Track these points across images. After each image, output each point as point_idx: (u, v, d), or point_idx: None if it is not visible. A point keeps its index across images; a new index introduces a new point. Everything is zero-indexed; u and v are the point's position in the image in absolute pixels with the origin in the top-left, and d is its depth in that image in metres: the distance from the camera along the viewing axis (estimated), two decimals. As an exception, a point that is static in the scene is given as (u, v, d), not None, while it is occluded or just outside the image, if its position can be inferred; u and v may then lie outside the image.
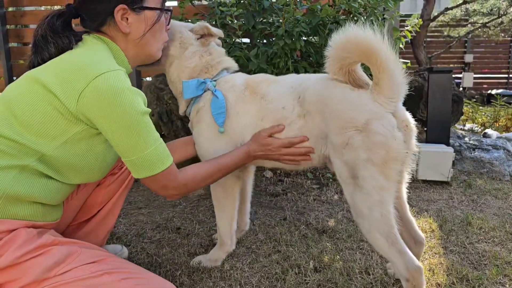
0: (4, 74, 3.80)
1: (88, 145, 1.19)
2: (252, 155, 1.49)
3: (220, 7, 2.38)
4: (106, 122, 1.13)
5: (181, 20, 2.63)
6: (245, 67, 2.46)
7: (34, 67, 1.24)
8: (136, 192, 2.54)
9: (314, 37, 2.51)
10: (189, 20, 2.62)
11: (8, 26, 3.84)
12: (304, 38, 2.30)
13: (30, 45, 1.29)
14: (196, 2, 2.84)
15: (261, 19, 2.50)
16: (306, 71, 2.42)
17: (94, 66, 1.13)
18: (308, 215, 2.15)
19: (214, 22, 2.66)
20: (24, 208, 1.13)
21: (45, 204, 1.18)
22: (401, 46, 2.65)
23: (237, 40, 2.57)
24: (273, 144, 1.46)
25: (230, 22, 2.66)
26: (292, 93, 1.47)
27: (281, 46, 2.18)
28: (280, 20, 2.21)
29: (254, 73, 2.40)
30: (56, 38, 1.23)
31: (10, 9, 3.97)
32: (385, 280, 1.54)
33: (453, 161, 2.66)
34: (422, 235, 1.53)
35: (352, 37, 1.28)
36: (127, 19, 1.29)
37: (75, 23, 1.33)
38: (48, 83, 1.12)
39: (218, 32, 1.67)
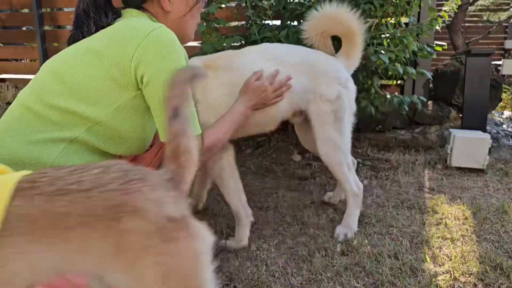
0: (39, 56, 3.89)
1: (136, 113, 1.19)
2: (248, 107, 1.55)
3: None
4: (156, 72, 1.12)
5: (210, 2, 2.62)
6: (274, 49, 2.42)
7: (74, 42, 1.24)
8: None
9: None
10: (220, 3, 2.60)
11: (43, 9, 3.93)
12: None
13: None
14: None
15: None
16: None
17: (146, 26, 1.16)
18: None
19: (244, 4, 2.63)
20: None
21: None
22: (437, 28, 2.55)
23: (267, 21, 2.54)
24: (265, 85, 1.58)
25: (260, 2, 2.63)
26: (264, 58, 1.67)
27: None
28: (312, 0, 2.15)
29: (284, 54, 2.37)
30: (97, 13, 1.24)
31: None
32: (414, 266, 1.50)
33: (490, 149, 2.56)
34: (353, 158, 1.97)
35: (341, 13, 1.68)
36: None
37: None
38: (101, 50, 1.14)
39: None
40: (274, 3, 2.38)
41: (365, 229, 1.80)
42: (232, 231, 1.80)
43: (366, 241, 1.69)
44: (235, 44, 2.65)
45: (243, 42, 2.66)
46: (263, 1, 2.34)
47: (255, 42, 2.55)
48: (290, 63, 1.68)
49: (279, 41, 2.32)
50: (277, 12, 2.47)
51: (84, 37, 1.24)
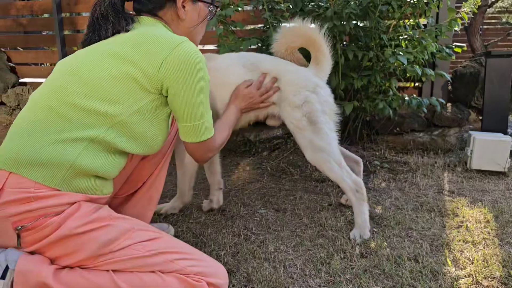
0: (59, 60, 3.97)
1: (154, 115, 1.24)
2: (239, 109, 1.70)
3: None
4: (182, 86, 1.21)
5: (227, 5, 2.63)
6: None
7: (90, 44, 1.27)
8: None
9: (364, 21, 2.43)
10: (237, 6, 2.61)
11: (63, 14, 4.00)
12: (354, 20, 2.22)
13: (88, 22, 1.32)
14: (244, -13, 2.82)
15: (309, 1, 2.45)
16: (355, 56, 2.35)
17: (173, 37, 1.22)
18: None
19: (261, 6, 2.64)
20: (85, 181, 1.15)
21: (103, 178, 1.20)
22: (456, 29, 2.52)
23: (285, 24, 2.54)
24: (253, 92, 1.72)
25: (277, 4, 2.63)
26: (239, 63, 1.80)
27: (329, 28, 2.12)
28: (330, 2, 2.15)
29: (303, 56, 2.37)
30: (116, 18, 1.27)
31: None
32: (435, 269, 1.48)
33: (511, 151, 2.51)
34: (358, 157, 2.07)
35: (303, 28, 1.80)
36: (184, 6, 1.38)
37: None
38: (127, 55, 1.18)
39: None
40: (291, 6, 2.38)
41: (383, 232, 1.78)
42: (249, 231, 1.80)
43: (385, 243, 1.67)
44: (253, 46, 2.67)
45: (259, 44, 2.67)
46: (280, 4, 2.34)
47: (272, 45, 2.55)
48: (262, 70, 1.79)
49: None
50: (294, 14, 2.46)
51: (100, 40, 1.27)
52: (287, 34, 1.85)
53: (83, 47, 1.30)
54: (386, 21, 2.37)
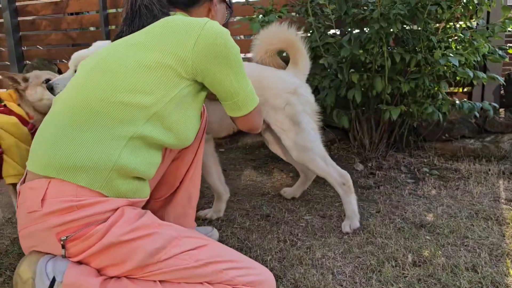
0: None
1: (189, 104, 1.21)
2: None
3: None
4: (219, 65, 1.18)
5: (270, 11, 2.64)
6: (336, 55, 2.39)
7: (123, 35, 1.25)
8: (225, 181, 2.58)
9: (411, 25, 2.36)
10: (280, 12, 2.61)
11: (110, 27, 4.13)
12: (401, 22, 2.16)
13: (124, 14, 1.29)
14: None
15: (354, 4, 2.41)
16: (402, 58, 2.28)
17: (197, 20, 1.20)
18: (403, 209, 2.02)
19: (304, 12, 2.62)
20: (127, 183, 1.11)
21: (141, 179, 1.17)
22: (510, 29, 2.40)
23: (329, 29, 2.52)
24: None
25: (320, 10, 2.61)
26: None
27: (376, 30, 2.07)
28: (375, 3, 2.10)
29: (347, 60, 2.33)
30: (160, 12, 1.27)
31: None
32: (496, 280, 1.38)
33: None
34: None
35: (280, 30, 1.85)
36: (216, 5, 1.41)
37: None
38: (154, 43, 1.15)
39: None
40: (334, 10, 2.34)
41: (437, 240, 1.69)
42: (295, 237, 1.76)
43: (439, 252, 1.59)
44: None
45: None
46: (325, 9, 2.31)
47: (315, 49, 2.53)
48: None
49: (342, 47, 2.27)
50: (339, 18, 2.43)
51: (131, 33, 1.24)
52: (266, 37, 1.89)
53: (113, 41, 1.28)
54: (434, 22, 2.29)
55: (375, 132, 2.70)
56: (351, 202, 1.83)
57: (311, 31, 2.64)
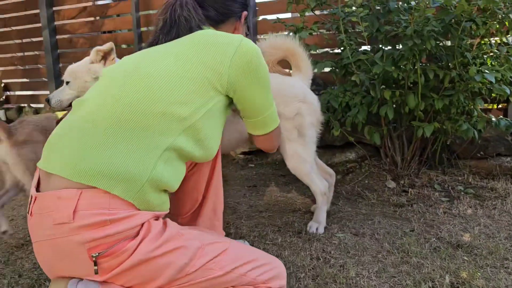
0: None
1: (218, 118, 1.22)
2: None
3: (346, 8, 2.34)
4: (251, 82, 1.22)
5: (301, 28, 2.66)
6: (367, 72, 2.38)
7: (158, 43, 1.27)
8: (256, 197, 2.59)
9: (445, 42, 2.35)
10: (311, 29, 2.63)
11: (143, 44, 4.26)
12: (434, 39, 2.14)
13: (160, 23, 1.30)
14: (317, 12, 2.84)
15: (386, 21, 2.41)
16: (435, 75, 2.26)
17: (234, 36, 1.23)
18: (438, 228, 1.97)
19: (335, 29, 2.64)
20: (156, 196, 1.10)
21: (167, 192, 1.17)
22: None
23: (361, 45, 2.52)
24: None
25: (351, 27, 2.62)
26: None
27: (409, 46, 2.06)
28: (410, 20, 2.10)
29: (379, 76, 2.32)
30: (196, 24, 1.28)
31: None
32: (540, 304, 1.33)
33: None
34: (331, 170, 2.26)
35: (280, 40, 1.94)
36: (241, 25, 1.46)
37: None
38: (194, 54, 1.16)
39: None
40: (367, 27, 2.35)
41: (475, 261, 1.65)
42: (328, 255, 1.75)
43: (478, 274, 1.54)
44: (326, 69, 2.66)
45: (333, 67, 2.66)
46: (357, 26, 2.32)
47: (346, 66, 2.54)
48: None
49: (374, 63, 2.27)
50: (370, 35, 2.43)
51: (166, 41, 1.26)
52: (267, 49, 1.95)
53: (147, 47, 1.29)
54: (469, 38, 2.26)
55: (407, 149, 2.67)
56: (324, 211, 2.03)
57: (342, 48, 2.66)
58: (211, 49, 1.18)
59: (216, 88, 1.18)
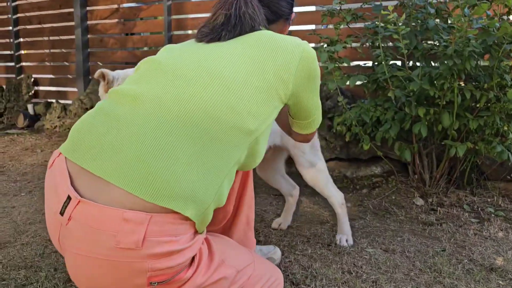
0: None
1: (270, 128, 1.16)
2: None
3: (387, 24, 2.35)
4: (309, 87, 1.19)
5: (336, 41, 2.68)
6: (402, 88, 2.39)
7: (220, 40, 1.15)
8: (282, 205, 2.58)
9: (482, 61, 2.34)
10: (345, 42, 2.65)
11: (172, 32, 4.28)
12: (474, 59, 2.14)
13: (221, 18, 1.18)
14: (351, 25, 2.86)
15: (423, 39, 2.42)
16: (472, 95, 2.25)
17: (296, 40, 1.18)
18: (470, 250, 1.96)
19: (370, 43, 2.65)
20: (211, 213, 1.03)
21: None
22: None
23: (395, 61, 2.53)
24: None
25: (387, 43, 2.63)
26: None
27: (449, 66, 2.07)
28: (450, 39, 2.10)
29: (414, 94, 2.32)
30: (258, 21, 1.21)
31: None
32: None
33: None
34: (295, 184, 2.26)
35: None
36: (288, 26, 1.44)
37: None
38: (265, 60, 1.09)
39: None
40: (407, 44, 2.35)
41: (510, 285, 1.63)
42: (359, 269, 1.75)
43: (514, 299, 1.53)
44: (359, 82, 2.67)
45: (365, 81, 2.66)
46: (397, 43, 2.32)
47: (378, 81, 2.54)
48: None
49: (410, 80, 2.28)
50: (407, 52, 2.43)
51: (219, 40, 1.16)
52: None
53: (198, 39, 1.19)
54: (509, 60, 2.25)
55: (436, 167, 2.66)
56: (347, 222, 2.04)
57: (376, 63, 2.67)
58: (278, 54, 1.10)
59: (280, 98, 1.11)
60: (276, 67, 1.10)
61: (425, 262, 1.83)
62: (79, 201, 0.93)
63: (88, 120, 1.05)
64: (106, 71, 1.87)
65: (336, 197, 2.01)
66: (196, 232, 1.01)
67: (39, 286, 1.64)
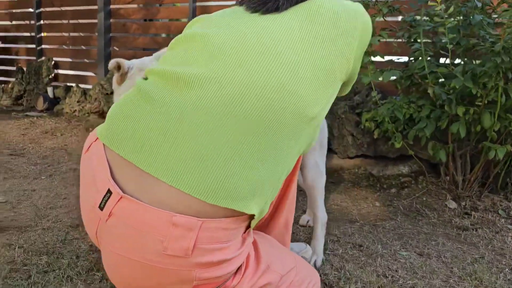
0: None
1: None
2: None
3: (432, 17, 2.24)
4: (362, 56, 1.06)
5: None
6: (441, 86, 2.28)
7: (276, 10, 0.98)
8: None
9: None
10: (380, 35, 2.54)
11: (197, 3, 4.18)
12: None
13: None
14: (389, 18, 2.75)
15: (465, 34, 2.30)
16: (516, 95, 2.14)
17: (357, 6, 1.03)
18: (510, 258, 1.86)
19: (407, 38, 2.54)
20: (267, 210, 0.96)
21: None
22: None
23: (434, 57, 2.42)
24: None
25: (427, 37, 2.51)
26: None
27: (496, 63, 1.95)
28: (499, 35, 1.99)
29: (455, 92, 2.21)
30: None
31: None
32: None
33: None
34: None
35: None
36: None
37: None
38: (330, 37, 0.95)
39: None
40: (452, 39, 2.22)
41: (558, 299, 1.53)
42: (394, 273, 1.66)
43: None
44: (393, 78, 2.56)
45: (397, 77, 2.56)
46: (437, 37, 2.21)
47: (412, 76, 2.44)
48: None
49: (451, 77, 2.17)
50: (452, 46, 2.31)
51: (273, 10, 0.98)
52: None
53: (254, 10, 0.99)
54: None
55: (470, 169, 2.54)
56: (323, 243, 1.80)
57: (412, 58, 2.56)
58: (341, 29, 0.96)
59: (341, 79, 0.99)
60: (339, 46, 0.96)
61: (464, 269, 1.74)
62: (121, 197, 0.85)
63: (130, 105, 0.93)
64: (121, 60, 1.79)
65: (323, 214, 1.79)
66: (245, 235, 0.94)
67: (61, 273, 1.58)
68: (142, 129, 0.87)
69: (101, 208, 0.87)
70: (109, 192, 0.86)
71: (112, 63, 1.76)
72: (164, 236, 0.82)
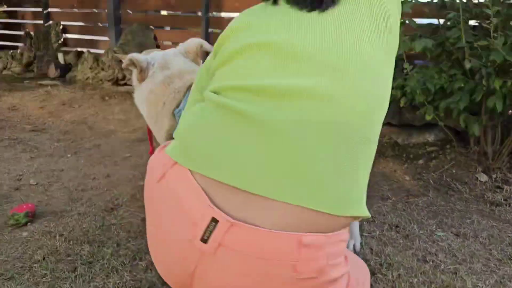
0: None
1: None
2: None
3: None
4: None
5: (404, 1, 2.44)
6: (480, 58, 2.19)
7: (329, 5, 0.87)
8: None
9: None
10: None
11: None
12: None
13: None
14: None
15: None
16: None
17: None
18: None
19: (441, 2, 2.41)
20: None
21: None
22: None
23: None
24: None
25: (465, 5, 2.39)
26: None
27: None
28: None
29: (498, 65, 2.13)
30: None
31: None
32: None
33: None
34: None
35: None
36: None
37: None
38: (385, 27, 0.89)
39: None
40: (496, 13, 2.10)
41: None
42: (434, 257, 1.67)
43: None
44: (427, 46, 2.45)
45: (430, 46, 2.45)
46: (485, 9, 2.09)
47: (443, 43, 2.34)
48: None
49: (491, 50, 2.07)
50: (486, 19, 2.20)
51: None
52: None
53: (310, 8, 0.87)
54: None
55: (501, 141, 2.50)
56: (357, 224, 1.75)
57: (448, 25, 2.44)
58: (390, 15, 0.89)
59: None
60: (391, 37, 0.89)
61: (503, 251, 1.74)
62: (231, 225, 0.77)
63: (215, 124, 0.83)
64: (136, 57, 1.55)
65: None
66: None
67: (106, 263, 1.60)
68: (242, 151, 0.79)
69: (205, 240, 0.78)
70: (213, 221, 0.78)
71: (126, 60, 1.55)
72: (296, 260, 0.77)
